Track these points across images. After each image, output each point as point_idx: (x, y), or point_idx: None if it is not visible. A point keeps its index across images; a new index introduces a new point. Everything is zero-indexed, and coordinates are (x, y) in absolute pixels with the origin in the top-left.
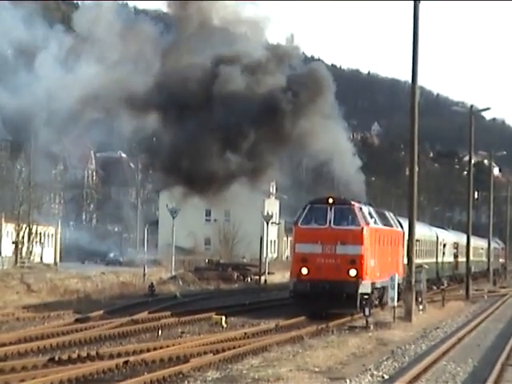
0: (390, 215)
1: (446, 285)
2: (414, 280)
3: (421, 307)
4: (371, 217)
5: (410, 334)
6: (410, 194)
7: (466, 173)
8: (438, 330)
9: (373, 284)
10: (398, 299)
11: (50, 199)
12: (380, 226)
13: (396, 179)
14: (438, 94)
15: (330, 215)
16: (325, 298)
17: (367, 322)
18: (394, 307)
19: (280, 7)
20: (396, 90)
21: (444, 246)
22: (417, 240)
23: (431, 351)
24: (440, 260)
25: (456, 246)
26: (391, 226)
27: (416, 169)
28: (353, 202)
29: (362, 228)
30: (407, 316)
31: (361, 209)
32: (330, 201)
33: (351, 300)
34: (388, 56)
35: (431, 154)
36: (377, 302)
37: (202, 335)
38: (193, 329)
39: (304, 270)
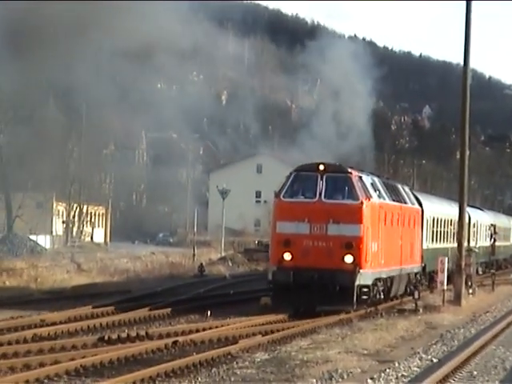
0: (403, 189)
1: (480, 273)
2: (463, 263)
3: (470, 291)
4: (375, 189)
5: (460, 318)
6: (460, 177)
7: None
8: (488, 314)
9: (375, 274)
10: (448, 283)
11: (101, 179)
12: (387, 201)
13: (447, 163)
14: (490, 77)
15: (321, 186)
16: (312, 290)
17: (416, 305)
18: (443, 291)
19: None
20: (448, 72)
21: (477, 228)
22: (436, 219)
23: (480, 335)
24: (472, 244)
25: (493, 228)
26: (404, 202)
27: (467, 152)
28: (350, 170)
29: (362, 202)
30: (457, 300)
31: (361, 178)
32: (321, 167)
33: (346, 294)
34: (440, 38)
35: (482, 138)
36: (381, 297)
37: (250, 316)
38: (242, 310)
39: (287, 256)
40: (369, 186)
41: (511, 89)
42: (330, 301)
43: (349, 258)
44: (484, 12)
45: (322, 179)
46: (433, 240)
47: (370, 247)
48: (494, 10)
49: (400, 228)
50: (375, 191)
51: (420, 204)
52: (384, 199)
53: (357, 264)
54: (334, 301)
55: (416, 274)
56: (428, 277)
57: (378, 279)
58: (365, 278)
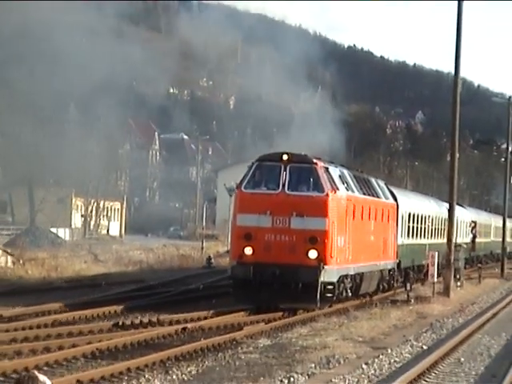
0: (377, 183)
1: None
2: (452, 258)
3: (459, 284)
4: (343, 181)
5: (448, 309)
6: (450, 178)
7: (503, 159)
8: (475, 305)
9: (341, 270)
10: (438, 276)
11: (117, 177)
12: (357, 194)
13: (438, 164)
14: (479, 85)
15: (284, 177)
16: (274, 287)
17: (408, 296)
18: (433, 283)
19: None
20: (440, 80)
21: (458, 224)
22: (413, 215)
23: (467, 325)
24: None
25: (474, 224)
26: (377, 195)
27: (457, 155)
28: (315, 160)
29: (327, 195)
30: (446, 292)
31: (327, 169)
32: (285, 157)
33: (309, 291)
34: (433, 47)
35: (471, 142)
36: (349, 294)
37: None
38: None
39: (247, 250)
40: (336, 178)
41: (499, 97)
42: (293, 298)
43: (313, 254)
44: (475, 24)
45: (285, 170)
46: (409, 236)
47: (335, 242)
48: (484, 23)
49: (372, 222)
50: (343, 183)
51: (395, 199)
52: (353, 192)
53: (321, 259)
54: (296, 298)
55: (390, 270)
56: (403, 273)
57: (345, 276)
58: (329, 274)
